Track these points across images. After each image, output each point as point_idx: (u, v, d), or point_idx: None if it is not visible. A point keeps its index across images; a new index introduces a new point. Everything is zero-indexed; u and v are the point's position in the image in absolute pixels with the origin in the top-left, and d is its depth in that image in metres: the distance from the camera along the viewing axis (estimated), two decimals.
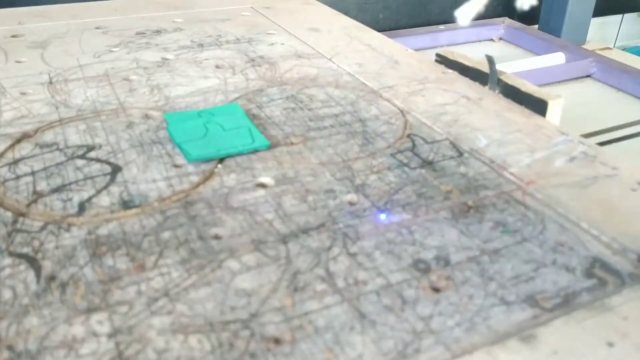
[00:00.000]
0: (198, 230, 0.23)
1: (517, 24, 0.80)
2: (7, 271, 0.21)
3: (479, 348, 0.18)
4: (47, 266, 0.21)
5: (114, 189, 0.26)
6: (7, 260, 0.21)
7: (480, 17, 0.78)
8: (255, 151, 0.29)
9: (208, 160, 0.28)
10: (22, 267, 0.21)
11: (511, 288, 0.20)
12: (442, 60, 0.41)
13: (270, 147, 0.29)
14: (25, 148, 0.29)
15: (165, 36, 0.47)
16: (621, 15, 1.04)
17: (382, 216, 0.24)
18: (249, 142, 0.29)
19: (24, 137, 0.30)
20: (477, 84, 0.38)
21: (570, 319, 0.19)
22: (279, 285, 0.20)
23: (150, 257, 0.21)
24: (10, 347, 0.17)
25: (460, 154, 0.29)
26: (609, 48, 0.80)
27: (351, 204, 0.25)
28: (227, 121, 0.31)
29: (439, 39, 0.75)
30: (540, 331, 0.18)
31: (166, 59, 0.42)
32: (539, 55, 0.71)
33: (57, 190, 0.26)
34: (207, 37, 0.47)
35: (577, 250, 0.22)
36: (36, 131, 0.31)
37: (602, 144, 0.52)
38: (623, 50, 0.86)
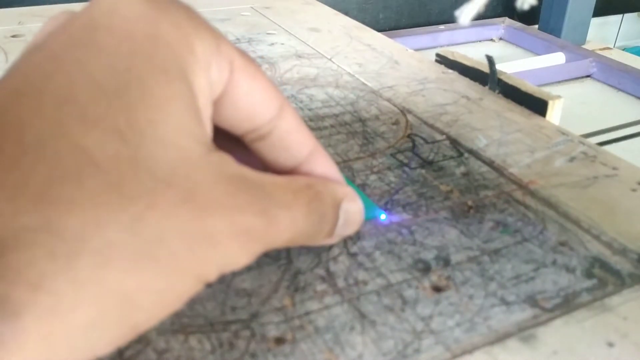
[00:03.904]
0: None
1: (517, 24, 0.80)
2: None
3: (479, 348, 0.18)
4: None
5: None
6: None
7: (480, 17, 0.78)
8: None
9: None
10: None
11: (511, 288, 0.20)
12: (442, 60, 0.41)
13: None
14: None
15: None
16: (621, 15, 1.04)
17: (383, 216, 0.24)
18: None
19: None
20: (477, 84, 0.38)
21: (570, 319, 0.19)
22: (280, 286, 0.20)
23: None
24: None
25: (460, 154, 0.29)
26: (609, 48, 0.80)
27: None
28: None
29: (439, 39, 0.75)
30: (540, 331, 0.18)
31: None
32: (539, 55, 0.71)
33: None
34: None
35: (577, 250, 0.22)
36: None
37: (602, 144, 0.52)
38: (623, 50, 0.86)
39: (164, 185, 0.14)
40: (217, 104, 0.18)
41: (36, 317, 0.12)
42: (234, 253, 0.16)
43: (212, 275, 0.15)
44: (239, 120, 0.18)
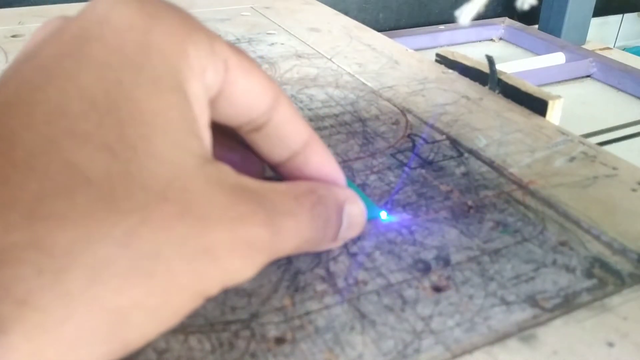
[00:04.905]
0: None
1: (517, 24, 0.80)
2: None
3: (479, 348, 0.18)
4: None
5: None
6: None
7: (480, 17, 0.78)
8: None
9: None
10: None
11: (511, 288, 0.20)
12: (442, 60, 0.41)
13: None
14: None
15: None
16: (621, 15, 1.04)
17: (383, 215, 0.24)
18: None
19: None
20: (477, 84, 0.38)
21: (570, 319, 0.19)
22: (280, 286, 0.20)
23: None
24: None
25: (460, 154, 0.29)
26: (609, 48, 0.80)
27: None
28: None
29: (439, 39, 0.75)
30: (540, 331, 0.18)
31: None
32: (539, 55, 0.71)
33: None
34: None
35: (577, 250, 0.22)
36: None
37: (602, 144, 0.52)
38: (623, 50, 0.86)
39: (159, 199, 0.14)
40: (212, 102, 0.18)
41: (24, 333, 0.12)
42: (237, 266, 0.15)
43: (213, 290, 0.15)
44: (234, 115, 0.18)
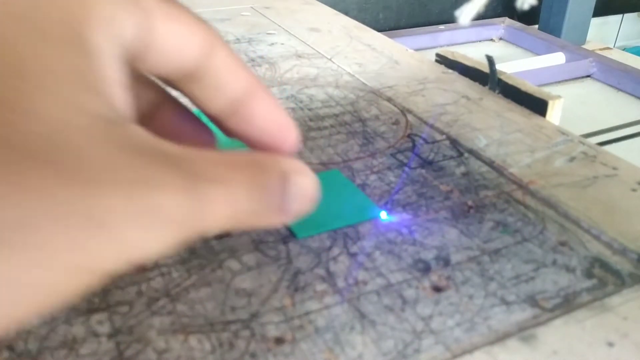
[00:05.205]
0: None
1: (517, 24, 0.80)
2: None
3: (479, 348, 0.18)
4: None
5: None
6: None
7: (480, 17, 0.78)
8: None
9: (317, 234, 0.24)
10: None
11: (511, 288, 0.20)
12: (442, 60, 0.41)
13: None
14: None
15: None
16: (621, 15, 1.04)
17: (383, 215, 0.24)
18: (360, 211, 0.25)
19: None
20: (477, 84, 0.38)
21: (570, 319, 0.19)
22: (279, 285, 0.20)
23: None
24: (10, 347, 0.17)
25: (460, 154, 0.29)
26: (609, 48, 0.80)
27: None
28: (332, 190, 0.26)
29: (439, 39, 0.75)
30: (540, 331, 0.18)
31: None
32: (539, 55, 0.71)
33: None
34: None
35: (577, 250, 0.22)
36: None
37: (602, 144, 0.52)
38: (623, 50, 0.86)
39: (36, 161, 0.12)
40: (140, 55, 0.16)
41: None
42: (138, 238, 0.13)
43: (108, 265, 0.13)
44: (165, 65, 0.17)
